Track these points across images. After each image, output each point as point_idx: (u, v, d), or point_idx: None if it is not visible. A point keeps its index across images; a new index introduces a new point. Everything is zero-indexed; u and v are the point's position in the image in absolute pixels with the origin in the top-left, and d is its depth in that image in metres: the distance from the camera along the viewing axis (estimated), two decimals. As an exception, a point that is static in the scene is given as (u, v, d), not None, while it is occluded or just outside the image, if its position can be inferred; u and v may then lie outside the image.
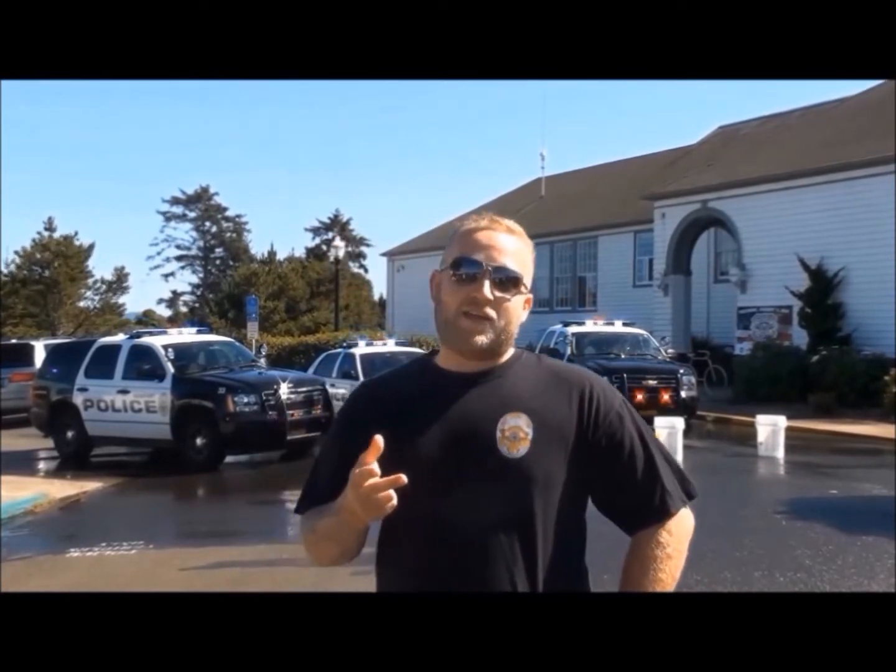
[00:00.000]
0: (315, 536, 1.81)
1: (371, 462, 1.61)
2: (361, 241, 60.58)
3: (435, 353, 1.91)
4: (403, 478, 1.61)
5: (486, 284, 1.76)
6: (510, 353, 1.86)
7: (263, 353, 17.30)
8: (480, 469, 1.75)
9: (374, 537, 1.83)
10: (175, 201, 60.36)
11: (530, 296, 1.85)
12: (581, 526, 1.85)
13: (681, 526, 1.83)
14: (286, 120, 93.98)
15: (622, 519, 1.85)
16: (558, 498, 1.78)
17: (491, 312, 1.77)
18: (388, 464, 1.62)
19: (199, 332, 15.49)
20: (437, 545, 1.75)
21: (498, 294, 1.77)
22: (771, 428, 12.59)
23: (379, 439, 1.62)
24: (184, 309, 59.33)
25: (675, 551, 1.80)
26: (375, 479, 1.60)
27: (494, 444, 1.75)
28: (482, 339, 1.77)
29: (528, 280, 1.82)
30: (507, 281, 1.78)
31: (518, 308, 1.82)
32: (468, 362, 1.82)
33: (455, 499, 1.74)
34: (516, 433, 1.76)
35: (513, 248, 1.80)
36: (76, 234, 39.38)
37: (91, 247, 39.62)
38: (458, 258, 1.79)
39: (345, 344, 17.68)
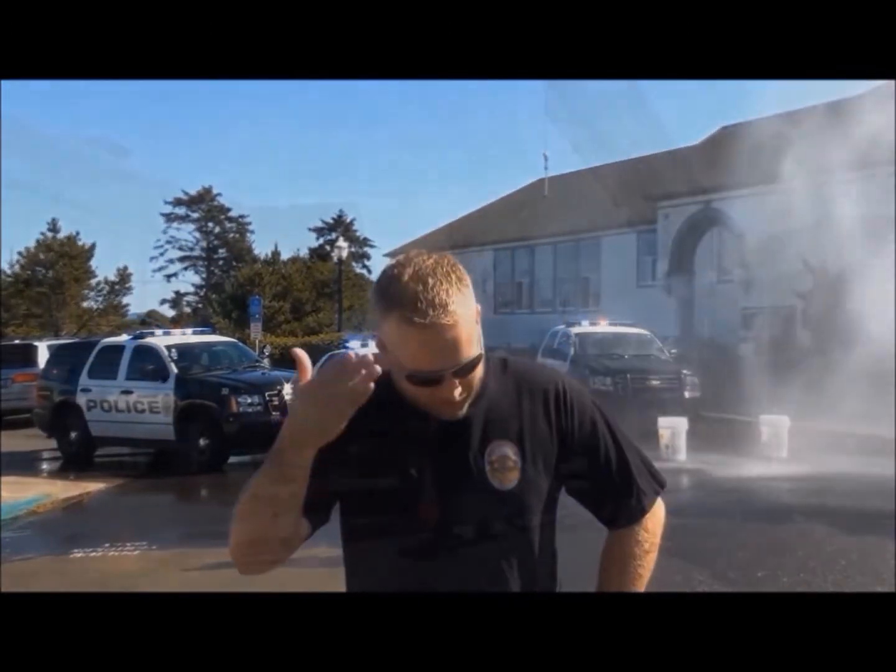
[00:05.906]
0: (245, 507, 1.67)
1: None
2: (365, 242, 60.61)
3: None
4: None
5: (455, 388, 1.63)
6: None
7: (266, 354, 17.32)
8: (471, 504, 1.69)
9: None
10: (178, 202, 60.41)
11: (478, 306, 1.65)
12: (554, 529, 1.84)
13: (655, 519, 1.86)
14: (287, 120, 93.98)
15: (598, 517, 1.87)
16: (550, 515, 1.78)
17: (462, 395, 1.65)
18: (361, 495, 1.60)
19: (200, 332, 15.49)
20: (429, 578, 1.69)
21: (464, 381, 1.64)
22: (774, 428, 12.57)
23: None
24: (187, 310, 59.32)
25: (652, 546, 1.85)
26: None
27: (485, 477, 1.70)
28: (460, 412, 1.69)
29: (474, 316, 1.64)
30: (470, 365, 1.62)
31: (477, 351, 1.64)
32: None
33: (446, 536, 1.68)
34: (505, 463, 1.71)
35: (461, 334, 1.58)
36: (78, 234, 39.53)
37: (93, 247, 39.75)
38: (412, 373, 1.61)
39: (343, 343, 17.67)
